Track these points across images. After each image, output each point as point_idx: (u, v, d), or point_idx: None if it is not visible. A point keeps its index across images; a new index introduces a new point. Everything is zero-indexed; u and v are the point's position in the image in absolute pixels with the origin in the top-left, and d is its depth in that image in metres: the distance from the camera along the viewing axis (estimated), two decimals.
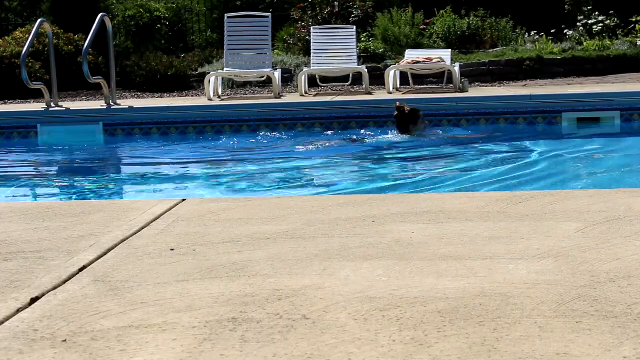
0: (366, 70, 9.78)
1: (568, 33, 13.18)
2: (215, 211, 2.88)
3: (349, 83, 10.94)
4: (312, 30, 10.73)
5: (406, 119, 6.91)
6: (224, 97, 9.72)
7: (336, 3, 13.39)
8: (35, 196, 5.33)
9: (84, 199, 4.92)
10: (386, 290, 1.84)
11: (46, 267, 2.15)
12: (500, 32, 13.14)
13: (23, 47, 8.91)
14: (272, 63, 10.34)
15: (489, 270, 1.99)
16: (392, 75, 9.47)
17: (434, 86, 10.76)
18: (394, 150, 6.57)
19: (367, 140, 7.10)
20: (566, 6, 14.25)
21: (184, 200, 3.13)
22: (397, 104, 7.02)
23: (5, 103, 10.70)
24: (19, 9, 19.08)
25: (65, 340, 1.58)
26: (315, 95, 9.58)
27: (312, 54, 10.26)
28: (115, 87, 8.80)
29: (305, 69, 10.01)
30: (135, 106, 8.40)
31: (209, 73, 9.85)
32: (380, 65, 11.59)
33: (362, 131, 7.55)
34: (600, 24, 12.88)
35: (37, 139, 8.02)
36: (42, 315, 1.75)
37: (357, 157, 6.44)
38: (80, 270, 2.13)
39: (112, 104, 8.48)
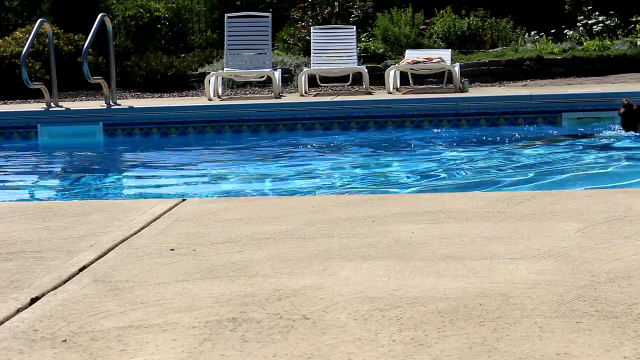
0: (366, 70, 9.78)
1: (568, 33, 13.18)
2: (215, 211, 2.88)
3: (349, 83, 10.94)
4: (312, 30, 10.72)
5: (634, 117, 6.57)
6: (224, 97, 9.72)
7: (336, 3, 13.39)
8: (35, 196, 5.33)
9: (84, 199, 4.92)
10: (386, 290, 1.84)
11: (46, 267, 2.15)
12: (500, 32, 13.14)
13: (23, 47, 8.91)
14: (272, 63, 10.34)
15: (489, 270, 1.99)
16: (392, 75, 9.47)
17: (434, 86, 10.76)
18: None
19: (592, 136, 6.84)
20: (566, 6, 14.25)
21: (184, 200, 3.13)
22: (625, 100, 6.69)
23: (5, 103, 10.70)
24: (19, 9, 19.08)
25: (65, 340, 1.58)
26: (315, 95, 9.58)
27: (312, 54, 10.26)
28: (115, 87, 8.80)
29: (305, 69, 10.02)
30: (135, 106, 8.40)
31: (209, 73, 9.85)
32: (380, 65, 11.59)
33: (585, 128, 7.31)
34: (600, 24, 12.88)
35: (37, 139, 8.02)
36: (42, 315, 1.75)
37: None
38: (80, 270, 2.12)
39: (112, 104, 8.48)
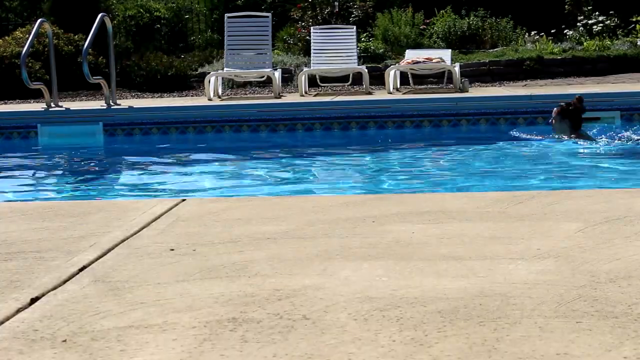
0: (366, 70, 9.77)
1: (568, 33, 13.17)
2: (215, 211, 2.87)
3: (349, 83, 10.94)
4: (312, 30, 10.72)
5: (570, 115, 6.47)
6: (224, 97, 9.71)
7: (336, 3, 13.39)
8: (35, 196, 5.33)
9: (84, 199, 4.92)
10: (386, 290, 1.84)
11: (46, 267, 2.15)
12: (501, 32, 13.14)
13: (23, 47, 8.91)
14: (272, 63, 10.33)
15: (489, 270, 1.99)
16: (392, 75, 9.47)
17: (434, 86, 10.76)
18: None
19: None
20: (566, 6, 14.24)
21: (184, 200, 3.13)
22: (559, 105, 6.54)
23: (5, 103, 10.70)
24: (19, 9, 19.07)
25: (65, 340, 1.58)
26: (315, 95, 9.57)
27: (312, 54, 10.26)
28: (115, 87, 8.79)
29: (305, 69, 10.01)
30: (135, 106, 8.40)
31: (209, 73, 9.85)
32: (380, 65, 11.59)
33: None
34: (600, 24, 12.87)
35: (37, 139, 8.01)
36: (42, 315, 1.75)
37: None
38: (80, 270, 2.12)
39: (112, 104, 8.48)
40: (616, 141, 6.40)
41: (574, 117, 6.52)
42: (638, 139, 6.51)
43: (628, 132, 6.81)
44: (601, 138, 6.51)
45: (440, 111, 7.83)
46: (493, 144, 6.71)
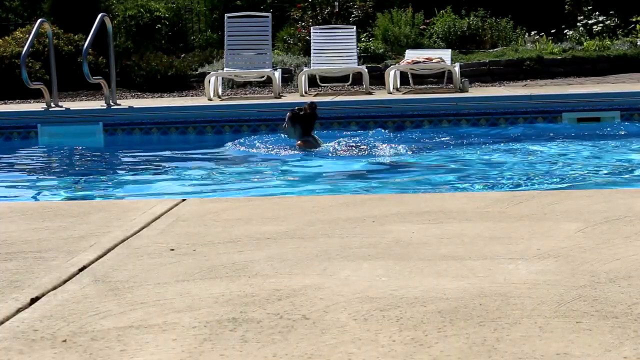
0: (366, 70, 9.77)
1: (568, 33, 13.18)
2: (215, 211, 2.87)
3: (349, 83, 10.94)
4: (312, 30, 10.72)
5: (302, 119, 6.39)
6: (224, 97, 9.71)
7: (336, 3, 13.39)
8: (35, 196, 5.33)
9: (84, 198, 4.92)
10: (386, 290, 1.84)
11: (46, 267, 2.15)
12: (501, 32, 13.14)
13: (23, 47, 8.91)
14: (272, 63, 10.33)
15: (489, 270, 1.99)
16: (392, 75, 9.47)
17: (434, 86, 10.76)
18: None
19: None
20: (566, 6, 14.25)
21: (184, 200, 3.13)
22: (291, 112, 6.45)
23: (5, 103, 10.70)
24: (19, 9, 19.08)
25: (65, 340, 1.58)
26: (315, 95, 9.57)
27: (312, 54, 10.26)
28: (115, 87, 8.79)
29: (305, 69, 10.01)
30: (135, 106, 8.40)
31: (209, 73, 9.85)
32: (380, 65, 11.59)
33: None
34: (600, 24, 12.87)
35: (37, 139, 8.01)
36: (42, 315, 1.75)
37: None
38: (80, 270, 2.12)
39: (112, 104, 8.48)
40: (340, 152, 6.27)
41: (305, 123, 6.41)
42: (364, 149, 6.31)
43: (359, 140, 6.69)
44: (331, 145, 6.38)
45: (440, 111, 7.83)
46: (493, 144, 6.70)
